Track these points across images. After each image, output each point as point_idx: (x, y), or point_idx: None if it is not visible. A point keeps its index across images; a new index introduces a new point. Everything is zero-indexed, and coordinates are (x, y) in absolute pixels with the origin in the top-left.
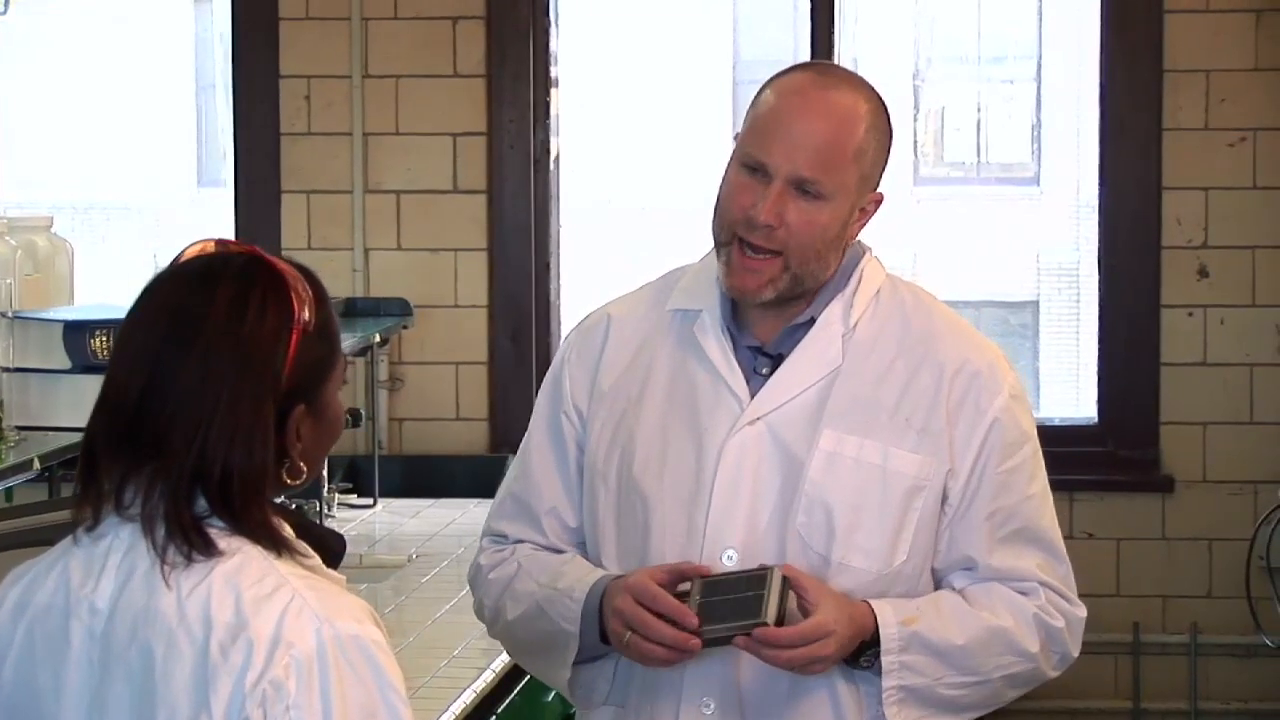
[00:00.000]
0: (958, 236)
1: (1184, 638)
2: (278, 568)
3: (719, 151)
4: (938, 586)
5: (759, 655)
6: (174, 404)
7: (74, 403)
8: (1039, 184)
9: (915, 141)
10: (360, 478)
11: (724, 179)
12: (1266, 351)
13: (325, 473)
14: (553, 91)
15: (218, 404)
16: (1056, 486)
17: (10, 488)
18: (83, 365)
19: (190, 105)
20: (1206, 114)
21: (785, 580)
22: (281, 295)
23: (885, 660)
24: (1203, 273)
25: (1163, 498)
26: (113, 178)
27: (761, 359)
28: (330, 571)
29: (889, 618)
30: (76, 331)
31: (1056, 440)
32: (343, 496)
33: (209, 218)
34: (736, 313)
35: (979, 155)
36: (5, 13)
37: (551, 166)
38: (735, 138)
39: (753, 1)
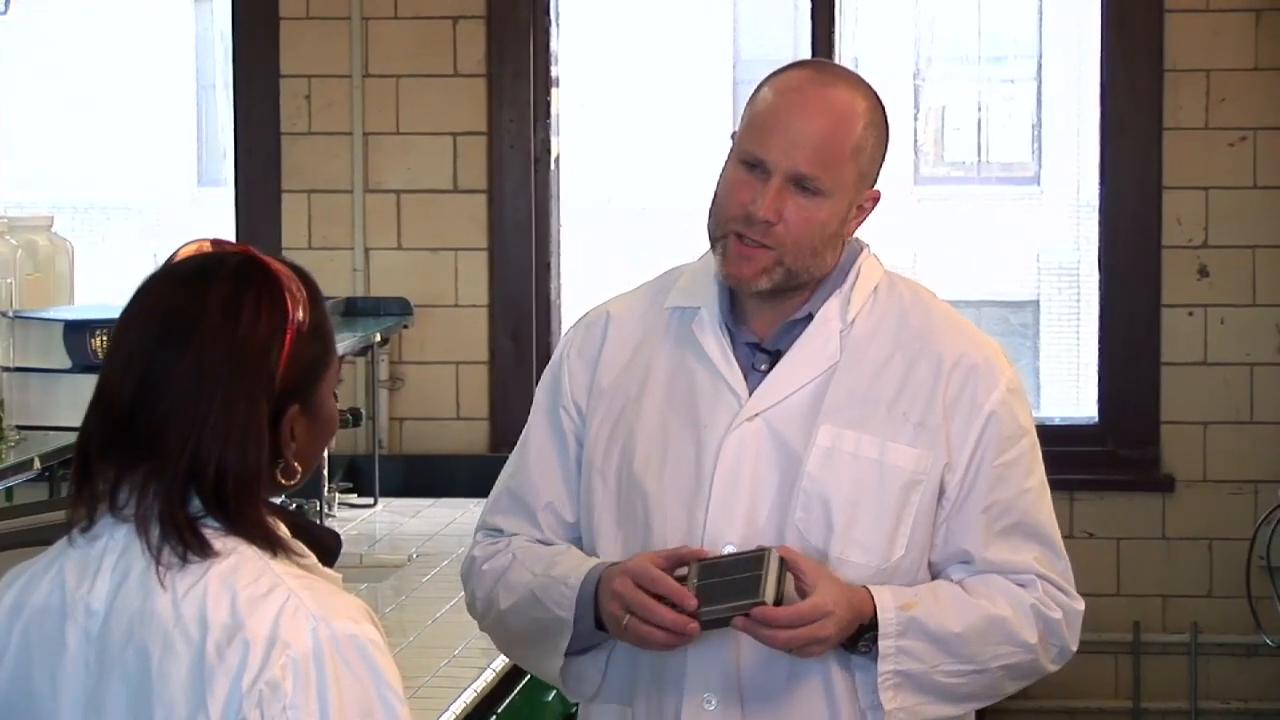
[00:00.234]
0: (958, 236)
1: (1184, 637)
2: (273, 568)
3: (719, 151)
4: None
5: (757, 636)
6: (168, 404)
7: (74, 402)
8: (1039, 183)
9: (915, 141)
10: (360, 477)
11: (722, 176)
12: (1267, 351)
13: (325, 472)
14: (553, 91)
15: (212, 404)
16: (1056, 486)
17: (10, 487)
18: (83, 365)
19: (190, 105)
20: (1207, 113)
21: (783, 562)
22: (276, 295)
23: (882, 644)
24: (1203, 272)
25: (1163, 497)
26: (113, 177)
27: (760, 355)
28: (326, 570)
29: (887, 602)
30: (77, 331)
31: (1057, 440)
32: (343, 496)
33: (209, 217)
34: (735, 309)
35: (979, 155)
36: (5, 12)
37: (552, 166)
38: (732, 136)
39: (753, 1)
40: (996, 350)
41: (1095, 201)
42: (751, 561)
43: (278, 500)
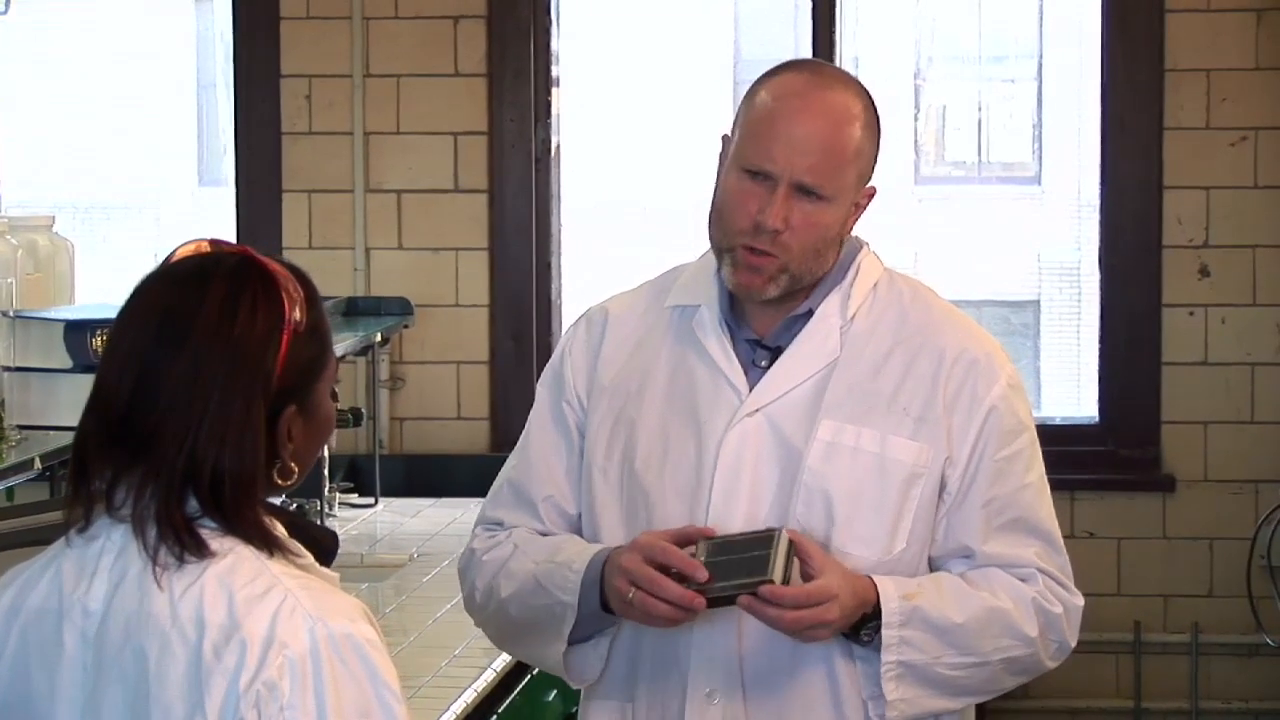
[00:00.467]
0: (959, 236)
1: (1185, 637)
2: (270, 568)
3: (719, 151)
4: None
5: (761, 615)
6: (165, 404)
7: (75, 402)
8: (1040, 183)
9: (916, 141)
10: (361, 477)
11: (721, 185)
12: (1267, 351)
13: (326, 472)
14: (554, 90)
15: (208, 404)
16: (1057, 486)
17: (11, 487)
18: (84, 365)
19: (191, 104)
20: (1207, 113)
21: (791, 544)
22: (273, 295)
23: (885, 634)
24: (1204, 272)
25: (1164, 497)
26: (113, 177)
27: (760, 352)
28: (324, 570)
29: (890, 592)
30: (77, 331)
31: (1057, 439)
32: (344, 496)
33: (210, 217)
34: (734, 306)
35: (980, 154)
36: (5, 12)
37: (552, 165)
38: (724, 139)
39: (754, 1)
40: (996, 346)
41: (1096, 201)
42: (760, 541)
43: (277, 500)
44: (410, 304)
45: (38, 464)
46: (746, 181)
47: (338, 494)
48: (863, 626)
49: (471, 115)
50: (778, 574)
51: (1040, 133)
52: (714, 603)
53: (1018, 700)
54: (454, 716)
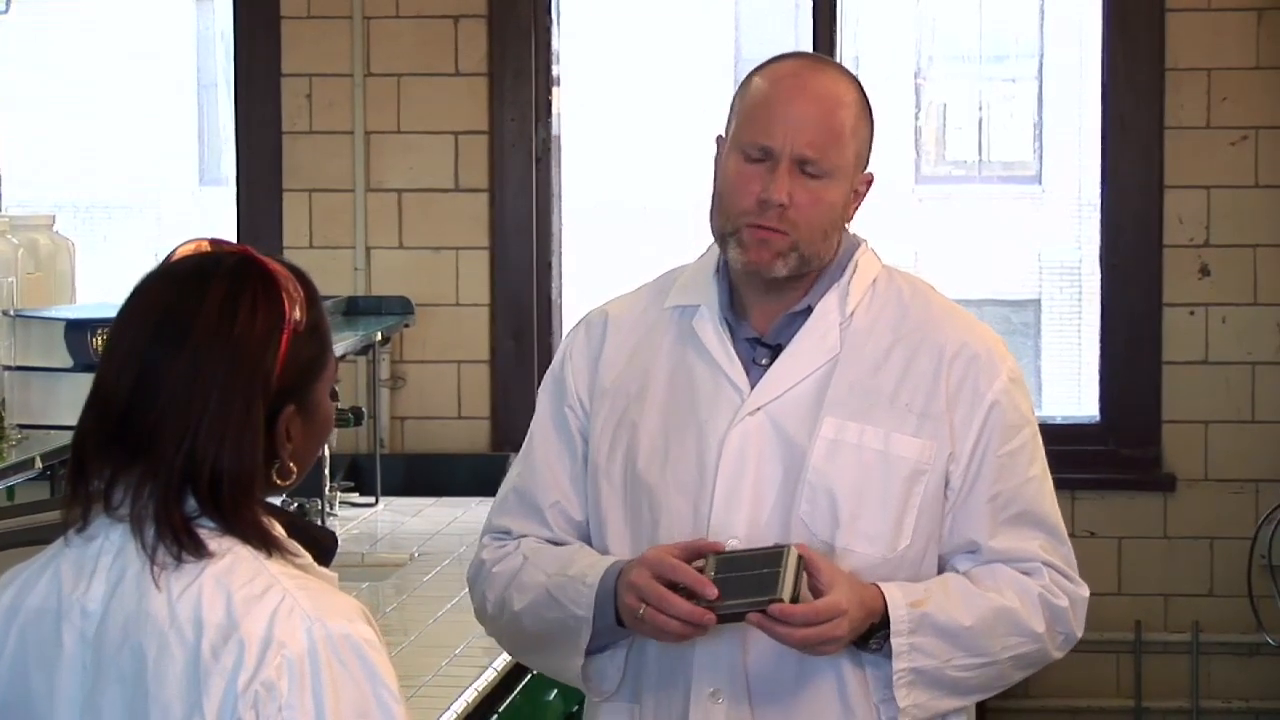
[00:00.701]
0: (959, 235)
1: (1186, 636)
2: (268, 568)
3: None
4: (942, 571)
5: (771, 633)
6: (164, 404)
7: (76, 401)
8: (1041, 183)
9: (917, 140)
10: (362, 476)
11: (721, 174)
12: (1268, 350)
13: (327, 471)
14: (554, 90)
15: (208, 404)
16: (1058, 485)
17: (11, 486)
18: (84, 364)
19: (192, 104)
20: (1208, 112)
21: (800, 560)
22: (272, 295)
23: (895, 643)
24: (1204, 271)
25: (1164, 496)
26: (114, 176)
27: (760, 349)
28: (322, 570)
29: (898, 600)
30: (78, 330)
31: (1058, 438)
32: (344, 495)
33: (211, 216)
34: (734, 305)
35: (980, 154)
36: (6, 12)
37: (553, 165)
38: (718, 140)
39: (754, 0)
40: (997, 341)
41: (1097, 200)
42: (769, 558)
43: (276, 500)
44: (411, 303)
45: (38, 463)
46: (747, 164)
47: (338, 493)
48: (871, 635)
49: (472, 114)
50: (787, 592)
51: (1041, 132)
52: (724, 619)
53: (1018, 699)
54: (454, 716)
